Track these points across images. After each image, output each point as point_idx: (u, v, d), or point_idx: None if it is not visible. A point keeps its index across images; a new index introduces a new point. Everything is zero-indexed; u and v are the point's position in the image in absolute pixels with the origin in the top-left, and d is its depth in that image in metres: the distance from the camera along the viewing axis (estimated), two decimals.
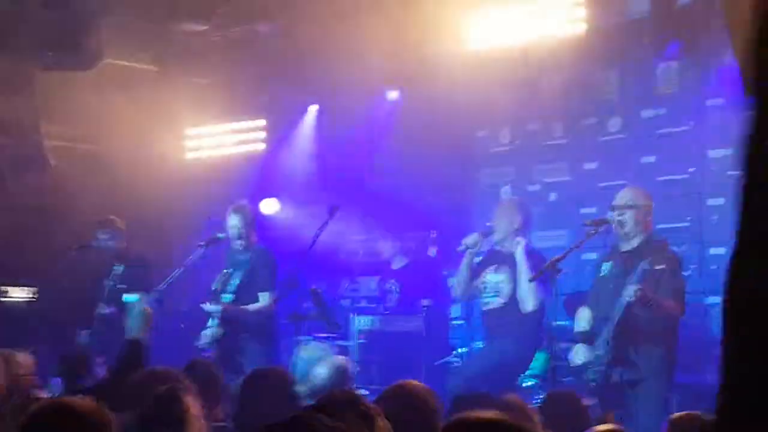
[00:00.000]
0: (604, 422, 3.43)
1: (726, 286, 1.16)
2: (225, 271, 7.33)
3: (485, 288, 6.86)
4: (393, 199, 8.66)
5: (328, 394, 2.98)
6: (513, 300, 6.65)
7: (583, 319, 6.28)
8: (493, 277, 6.82)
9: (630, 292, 5.70)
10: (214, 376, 4.53)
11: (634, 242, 6.12)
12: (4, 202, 8.58)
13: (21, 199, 8.29)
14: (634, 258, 5.98)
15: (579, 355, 6.03)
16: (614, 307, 5.87)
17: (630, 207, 6.08)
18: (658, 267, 5.82)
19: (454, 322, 8.99)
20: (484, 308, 6.92)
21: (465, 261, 6.88)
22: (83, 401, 2.60)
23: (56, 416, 2.52)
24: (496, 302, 6.78)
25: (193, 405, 3.19)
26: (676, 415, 3.08)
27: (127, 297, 5.35)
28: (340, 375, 5.21)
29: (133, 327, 4.83)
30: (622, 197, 6.19)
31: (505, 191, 9.06)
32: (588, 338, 6.07)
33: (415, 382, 3.46)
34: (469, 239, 6.80)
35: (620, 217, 6.08)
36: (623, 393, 5.83)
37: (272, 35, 8.84)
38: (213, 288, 7.29)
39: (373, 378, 7.38)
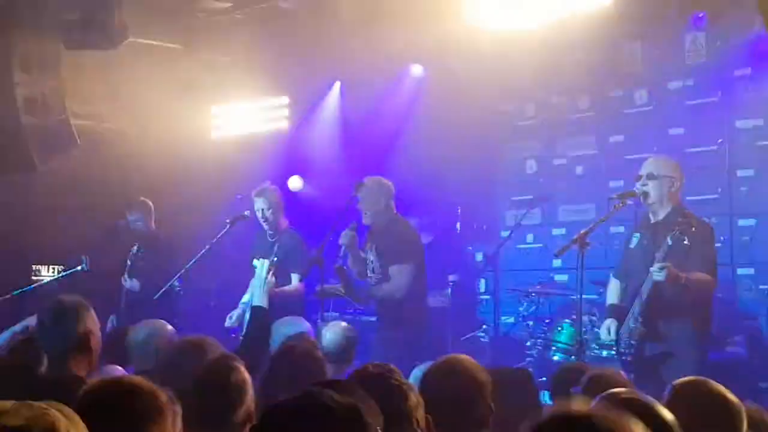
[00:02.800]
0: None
1: None
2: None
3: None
4: (417, 175, 8.63)
5: (362, 367, 2.96)
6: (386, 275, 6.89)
7: (613, 292, 6.23)
8: (369, 255, 7.00)
9: (660, 274, 5.57)
10: None
11: (661, 214, 5.99)
12: (31, 182, 8.64)
13: (48, 179, 8.33)
14: (662, 230, 5.85)
15: (610, 329, 5.93)
16: (644, 279, 5.76)
17: (653, 177, 5.96)
18: (685, 239, 5.67)
19: (481, 297, 9.01)
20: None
21: (351, 257, 6.99)
22: (142, 381, 2.55)
23: (111, 395, 2.48)
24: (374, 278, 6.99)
25: (245, 373, 3.20)
26: (680, 380, 2.94)
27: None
28: (345, 339, 5.34)
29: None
30: (646, 168, 6.05)
31: (530, 165, 9.03)
32: (618, 312, 6.00)
33: (463, 356, 3.39)
34: (344, 239, 6.85)
35: (644, 188, 5.96)
36: (657, 367, 5.68)
37: (295, 12, 8.79)
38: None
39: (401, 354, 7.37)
